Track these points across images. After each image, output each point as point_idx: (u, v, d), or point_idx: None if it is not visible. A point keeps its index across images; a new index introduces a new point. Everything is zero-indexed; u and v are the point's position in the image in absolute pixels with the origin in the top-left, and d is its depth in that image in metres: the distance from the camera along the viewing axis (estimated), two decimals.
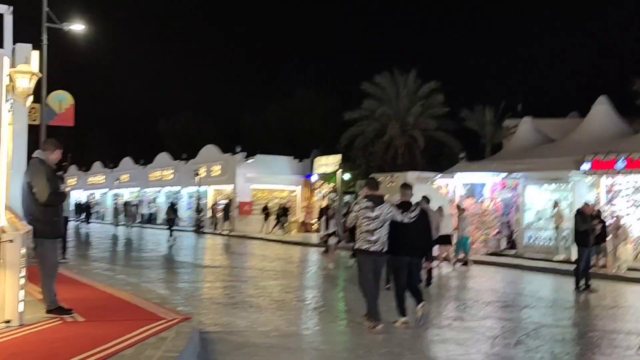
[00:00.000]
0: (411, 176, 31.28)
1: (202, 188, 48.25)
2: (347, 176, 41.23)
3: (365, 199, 9.30)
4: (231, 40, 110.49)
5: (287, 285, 14.87)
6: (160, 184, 55.48)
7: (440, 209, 19.68)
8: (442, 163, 36.00)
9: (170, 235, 31.82)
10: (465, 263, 20.60)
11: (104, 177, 66.68)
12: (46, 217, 7.78)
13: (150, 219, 54.38)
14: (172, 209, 36.43)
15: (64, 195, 8.05)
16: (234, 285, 14.60)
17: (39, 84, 18.31)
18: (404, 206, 9.53)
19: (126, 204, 51.04)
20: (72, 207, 38.91)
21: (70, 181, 76.25)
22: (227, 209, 42.56)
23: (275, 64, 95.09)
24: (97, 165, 70.96)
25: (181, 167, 51.76)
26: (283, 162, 46.53)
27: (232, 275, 17.25)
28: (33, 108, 17.71)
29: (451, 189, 27.70)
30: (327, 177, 42.31)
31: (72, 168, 78.11)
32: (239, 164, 44.88)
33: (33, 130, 18.39)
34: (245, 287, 14.49)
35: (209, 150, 49.25)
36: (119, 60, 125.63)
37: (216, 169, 47.59)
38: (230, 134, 62.35)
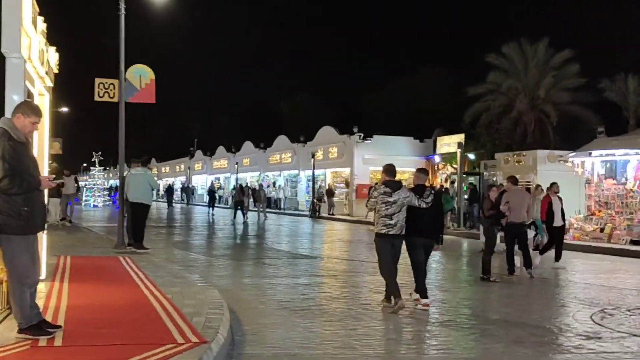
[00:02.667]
0: (541, 155, 28.13)
1: (320, 171, 46.60)
2: (471, 156, 38.24)
3: (383, 185, 9.48)
4: (349, 20, 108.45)
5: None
6: (280, 168, 54.41)
7: (538, 187, 18.52)
8: (578, 140, 32.28)
9: (238, 216, 33.02)
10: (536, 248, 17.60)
11: (227, 161, 66.56)
12: (12, 208, 5.90)
13: (270, 204, 53.29)
14: (242, 190, 36.02)
15: (33, 181, 6.07)
16: (320, 283, 12.46)
17: (116, 57, 17.17)
18: (419, 190, 9.68)
19: (254, 189, 48.20)
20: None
21: (197, 166, 77.42)
22: (330, 192, 40.93)
23: (395, 41, 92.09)
24: (220, 149, 71.11)
25: (299, 149, 50.39)
26: (403, 142, 43.97)
27: (325, 268, 15.13)
28: (111, 84, 16.40)
29: (588, 168, 24.27)
30: (449, 158, 39.35)
31: (198, 153, 79.14)
32: (357, 145, 42.78)
33: (111, 108, 17.21)
34: (333, 284, 12.33)
35: (326, 131, 47.46)
36: (240, 44, 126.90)
37: (333, 151, 45.75)
38: (350, 115, 60.52)
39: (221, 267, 14.72)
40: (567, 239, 21.90)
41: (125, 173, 16.45)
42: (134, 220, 15.59)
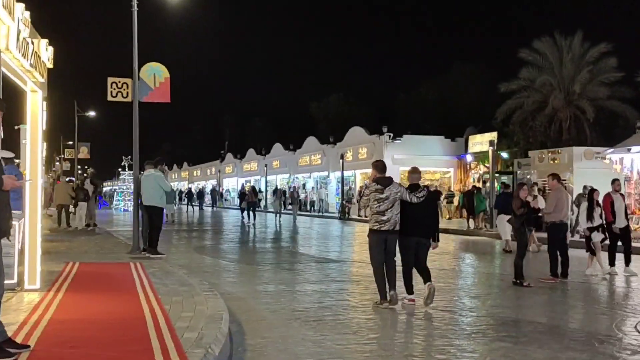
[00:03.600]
0: (577, 152, 26.94)
1: (349, 172, 45.77)
2: (504, 155, 37.11)
3: (374, 182, 9.58)
4: (384, 21, 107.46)
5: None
6: (309, 169, 53.68)
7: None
8: (616, 136, 31.01)
9: (248, 218, 32.83)
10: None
11: (257, 163, 66.04)
12: None
13: (301, 206, 52.50)
14: (254, 192, 36.51)
15: None
16: (340, 289, 11.64)
17: (130, 54, 16.62)
18: (413, 190, 9.74)
19: (286, 191, 47.17)
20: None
21: (227, 169, 77.10)
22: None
23: (429, 40, 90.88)
24: (251, 152, 70.67)
25: (329, 151, 49.62)
26: (434, 142, 42.92)
27: (348, 273, 14.30)
28: (124, 83, 15.82)
29: (627, 165, 23.11)
30: (481, 157, 38.22)
31: (229, 156, 78.81)
32: (386, 145, 41.82)
33: (125, 108, 16.61)
34: (354, 290, 11.55)
35: (356, 132, 46.62)
36: (273, 46, 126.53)
37: (363, 152, 44.87)
38: (383, 115, 59.69)
39: (237, 272, 14.01)
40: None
41: (140, 176, 15.86)
42: (149, 224, 14.97)
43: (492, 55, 66.75)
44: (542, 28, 39.45)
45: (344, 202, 41.46)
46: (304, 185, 53.83)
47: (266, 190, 58.87)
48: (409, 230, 9.61)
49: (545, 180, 22.84)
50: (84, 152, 40.48)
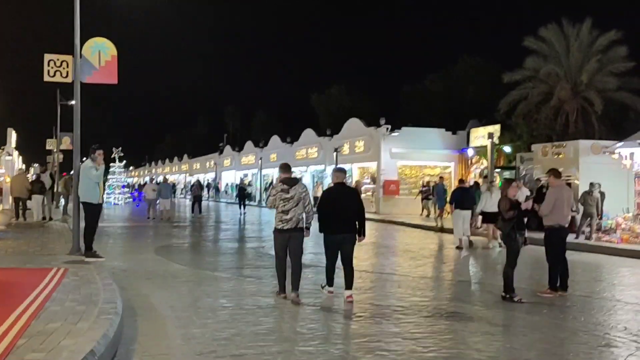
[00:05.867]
0: (584, 145, 24.90)
1: (346, 166, 43.77)
2: (507, 149, 35.02)
3: (281, 183, 9.79)
4: (388, 13, 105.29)
5: (436, 308, 9.84)
6: (306, 163, 51.67)
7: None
8: (626, 129, 28.88)
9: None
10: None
11: (254, 156, 64.12)
12: None
13: None
14: (200, 186, 38.65)
15: None
16: (288, 309, 9.65)
17: (70, 26, 14.66)
18: (342, 187, 10.15)
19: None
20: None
21: (225, 162, 75.17)
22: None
23: (434, 31, 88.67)
24: (249, 144, 68.80)
25: (325, 143, 47.59)
26: (434, 135, 40.79)
27: (314, 281, 12.25)
28: (64, 61, 13.87)
29: (638, 160, 21.03)
30: (484, 151, 36.10)
31: (227, 149, 76.95)
32: (384, 138, 39.76)
33: (66, 90, 14.67)
34: (307, 311, 9.55)
35: (353, 124, 44.56)
36: (276, 37, 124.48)
37: (360, 145, 42.85)
38: (386, 108, 57.66)
39: (183, 281, 11.93)
40: (614, 241, 18.86)
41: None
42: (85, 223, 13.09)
43: (497, 46, 64.49)
44: (548, 16, 37.04)
45: None
46: (300, 179, 51.80)
47: (261, 185, 56.93)
48: (333, 228, 9.83)
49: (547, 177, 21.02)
50: (66, 142, 38.46)
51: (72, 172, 29.33)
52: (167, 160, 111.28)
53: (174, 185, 69.59)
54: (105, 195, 52.41)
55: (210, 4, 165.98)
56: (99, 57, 14.06)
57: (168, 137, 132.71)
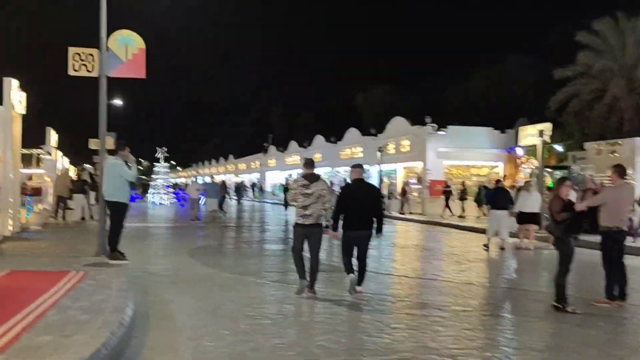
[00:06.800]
0: (639, 143, 23.57)
1: (391, 166, 42.83)
2: (558, 148, 33.68)
3: (302, 178, 9.90)
4: (432, 9, 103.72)
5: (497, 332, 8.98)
6: (350, 163, 50.69)
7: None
8: None
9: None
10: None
11: (299, 156, 63.55)
12: None
13: None
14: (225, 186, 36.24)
15: None
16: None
17: (95, 21, 14.16)
18: (357, 184, 10.16)
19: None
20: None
21: (270, 162, 74.84)
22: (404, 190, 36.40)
23: (482, 28, 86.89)
24: (293, 144, 68.37)
25: (370, 143, 46.72)
26: (481, 133, 39.66)
27: (403, 295, 11.41)
28: (90, 55, 13.32)
29: None
30: (534, 150, 34.76)
31: (272, 149, 76.64)
32: (429, 137, 38.76)
33: (90, 84, 14.12)
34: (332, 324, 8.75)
35: (398, 123, 43.65)
36: (322, 38, 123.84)
37: (405, 144, 41.89)
38: (431, 107, 56.50)
39: (208, 286, 11.23)
40: None
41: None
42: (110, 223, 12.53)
43: (545, 42, 62.60)
44: (602, 10, 35.50)
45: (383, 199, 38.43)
46: (345, 180, 51.01)
47: None
48: (351, 225, 9.82)
49: (603, 176, 19.92)
50: (109, 142, 38.26)
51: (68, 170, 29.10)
52: (213, 161, 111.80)
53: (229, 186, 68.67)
54: (148, 195, 52.68)
55: (256, 3, 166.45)
56: (125, 50, 13.48)
57: (214, 137, 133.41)
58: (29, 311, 7.20)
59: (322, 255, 14.78)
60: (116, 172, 12.39)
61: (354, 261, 10.08)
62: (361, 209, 9.81)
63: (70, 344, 5.78)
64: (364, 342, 7.35)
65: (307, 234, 9.82)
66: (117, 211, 12.41)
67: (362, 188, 10.12)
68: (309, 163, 10.16)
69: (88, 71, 13.27)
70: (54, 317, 6.95)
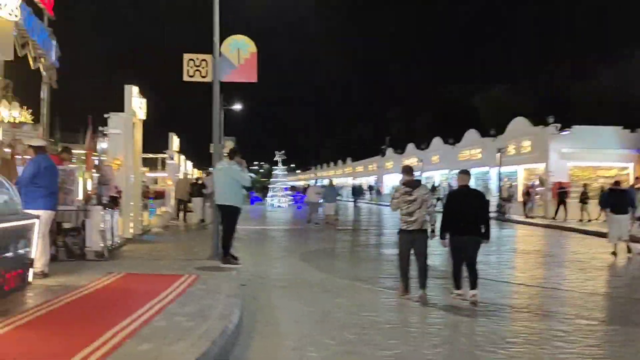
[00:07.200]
0: None
1: (511, 168, 41.45)
2: None
3: (403, 185, 10.03)
4: (554, 4, 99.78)
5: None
6: (469, 165, 49.62)
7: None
8: None
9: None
10: None
11: (416, 158, 62.82)
12: None
13: None
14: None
15: None
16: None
17: (209, 26, 14.27)
18: (462, 191, 10.22)
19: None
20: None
21: (387, 165, 74.41)
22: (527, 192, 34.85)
23: (608, 21, 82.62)
24: (410, 147, 67.74)
25: (489, 144, 45.44)
26: (609, 133, 37.65)
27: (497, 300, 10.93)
28: (203, 60, 13.51)
29: None
30: None
31: (389, 151, 76.17)
32: (552, 137, 37.21)
33: (200, 89, 14.29)
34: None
35: (518, 123, 42.21)
36: (438, 37, 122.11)
37: (526, 145, 40.45)
38: (554, 106, 54.36)
39: (322, 292, 11.01)
40: None
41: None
42: (221, 227, 12.59)
43: None
44: None
45: (502, 201, 37.13)
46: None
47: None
48: (457, 230, 9.82)
49: None
50: (229, 146, 39.22)
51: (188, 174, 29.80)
52: (331, 164, 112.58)
53: (362, 188, 68.25)
54: (267, 197, 53.56)
55: (370, 7, 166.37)
56: (237, 54, 13.58)
57: (332, 140, 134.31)
58: (137, 316, 7.23)
59: (438, 261, 14.45)
60: (232, 176, 12.40)
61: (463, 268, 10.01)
62: (467, 215, 9.81)
63: (169, 353, 5.71)
64: (477, 358, 6.91)
65: (412, 239, 9.92)
66: (231, 215, 12.43)
67: (467, 194, 10.16)
68: (408, 170, 10.36)
69: (202, 77, 13.45)
70: (160, 322, 6.94)
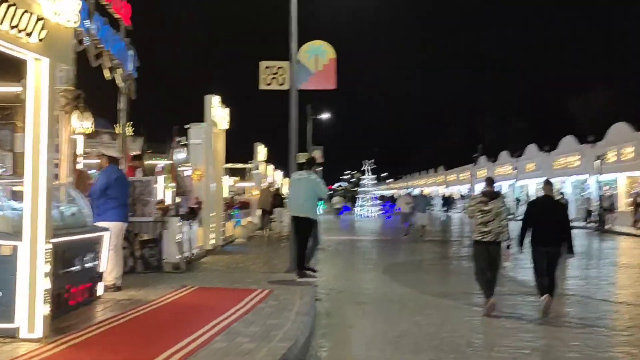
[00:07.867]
0: None
1: (611, 175, 39.44)
2: None
3: (481, 194, 10.13)
4: None
5: None
6: (565, 172, 47.64)
7: None
8: None
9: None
10: None
11: (510, 166, 60.93)
12: None
13: None
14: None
15: None
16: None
17: (284, 33, 13.93)
18: (545, 200, 10.24)
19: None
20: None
21: (479, 173, 72.61)
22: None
23: None
24: (503, 154, 65.86)
25: (587, 151, 43.44)
26: None
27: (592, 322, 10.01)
28: (280, 67, 13.19)
29: None
30: None
31: (482, 159, 74.47)
32: None
33: (276, 97, 13.94)
34: None
35: (619, 129, 40.14)
36: (535, 38, 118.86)
37: (628, 152, 38.38)
38: None
39: (401, 308, 10.39)
40: None
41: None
42: (296, 240, 12.14)
43: None
44: None
45: (603, 211, 35.19)
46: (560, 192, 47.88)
47: (517, 199, 53.47)
48: (539, 240, 9.75)
49: None
50: (318, 155, 39.09)
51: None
52: (422, 172, 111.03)
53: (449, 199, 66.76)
54: (356, 207, 53.14)
55: (464, 12, 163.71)
56: (315, 61, 13.19)
57: (422, 148, 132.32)
58: (198, 335, 6.85)
59: (525, 275, 13.53)
60: (311, 187, 11.84)
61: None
62: (547, 225, 9.76)
63: None
64: None
65: (487, 251, 9.77)
66: (307, 228, 11.94)
67: (548, 204, 10.19)
68: (489, 181, 10.50)
69: (279, 84, 13.15)
70: (220, 344, 6.53)
